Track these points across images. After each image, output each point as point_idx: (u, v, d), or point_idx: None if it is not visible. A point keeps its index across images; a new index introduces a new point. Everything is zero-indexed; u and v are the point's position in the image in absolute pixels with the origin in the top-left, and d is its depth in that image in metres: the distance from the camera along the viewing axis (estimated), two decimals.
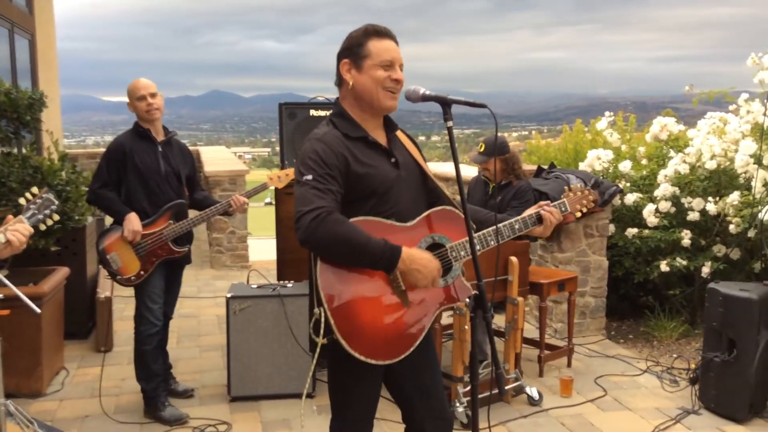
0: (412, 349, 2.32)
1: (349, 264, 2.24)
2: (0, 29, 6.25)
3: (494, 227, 2.51)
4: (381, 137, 2.46)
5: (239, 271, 8.60)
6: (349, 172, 2.30)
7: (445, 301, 2.44)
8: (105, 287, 5.73)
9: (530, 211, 2.67)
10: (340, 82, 2.43)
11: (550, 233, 2.72)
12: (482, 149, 4.97)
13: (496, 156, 4.51)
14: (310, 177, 2.23)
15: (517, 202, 4.80)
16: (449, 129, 2.25)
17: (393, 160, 2.44)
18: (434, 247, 2.42)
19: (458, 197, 2.36)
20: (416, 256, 2.26)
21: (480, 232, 2.50)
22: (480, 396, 2.43)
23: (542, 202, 2.71)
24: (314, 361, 2.35)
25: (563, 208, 2.73)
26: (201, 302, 7.06)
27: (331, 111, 2.52)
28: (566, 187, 2.86)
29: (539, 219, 2.64)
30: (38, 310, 3.52)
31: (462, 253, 2.44)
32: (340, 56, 2.40)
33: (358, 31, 2.38)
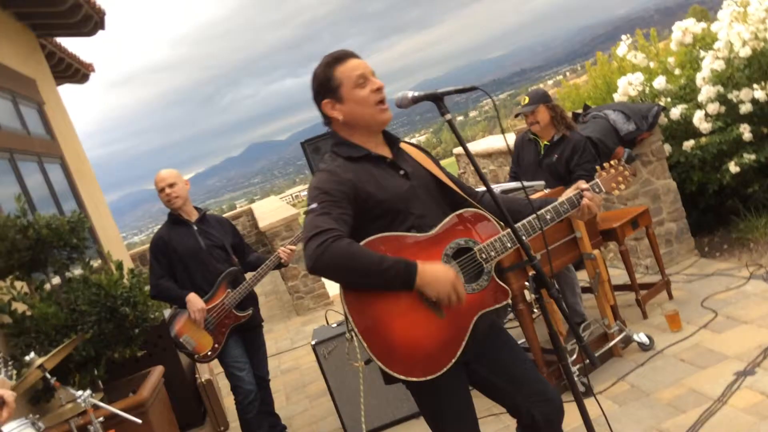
0: (455, 360, 2.23)
1: (364, 287, 2.19)
2: (29, 164, 6.46)
3: (533, 216, 2.41)
4: (385, 152, 2.43)
5: (323, 309, 8.64)
6: (358, 193, 2.27)
7: (483, 306, 2.32)
8: (203, 370, 5.83)
9: (569, 193, 2.53)
10: (328, 121, 2.43)
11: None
12: (526, 101, 4.77)
13: (542, 103, 4.34)
14: (315, 205, 2.24)
15: (581, 159, 4.58)
16: (449, 122, 2.20)
17: (402, 172, 2.40)
18: (462, 252, 2.34)
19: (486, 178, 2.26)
20: (428, 270, 2.17)
21: (520, 222, 2.39)
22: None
23: (580, 183, 2.55)
24: (361, 386, 2.36)
25: (597, 189, 2.60)
26: (298, 352, 7.12)
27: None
28: (597, 167, 2.72)
29: (579, 199, 2.51)
30: (139, 421, 3.58)
31: (492, 253, 2.34)
32: (318, 98, 2.39)
33: (319, 67, 2.38)
